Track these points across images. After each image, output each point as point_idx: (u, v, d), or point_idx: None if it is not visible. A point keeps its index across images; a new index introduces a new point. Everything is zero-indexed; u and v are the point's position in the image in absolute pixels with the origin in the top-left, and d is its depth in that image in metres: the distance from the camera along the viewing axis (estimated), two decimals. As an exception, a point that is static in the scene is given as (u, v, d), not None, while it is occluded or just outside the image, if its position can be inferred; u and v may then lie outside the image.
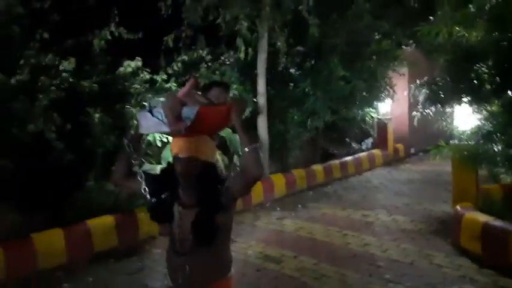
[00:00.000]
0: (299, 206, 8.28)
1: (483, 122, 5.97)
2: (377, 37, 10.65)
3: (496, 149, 5.73)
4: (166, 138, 6.59)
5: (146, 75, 7.80)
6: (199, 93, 2.42)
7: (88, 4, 7.62)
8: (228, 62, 9.54)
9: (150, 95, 7.28)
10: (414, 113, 6.95)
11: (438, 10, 7.11)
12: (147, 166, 5.00)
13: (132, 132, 2.41)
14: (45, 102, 6.10)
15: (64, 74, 6.60)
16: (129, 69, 7.55)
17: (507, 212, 5.48)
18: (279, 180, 8.93)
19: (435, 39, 6.12)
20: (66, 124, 6.21)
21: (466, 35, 5.71)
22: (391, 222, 7.14)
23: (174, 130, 2.14)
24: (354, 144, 12.40)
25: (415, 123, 7.20)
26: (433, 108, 6.48)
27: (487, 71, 5.84)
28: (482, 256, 5.22)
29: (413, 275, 5.09)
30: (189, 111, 2.14)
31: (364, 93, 10.79)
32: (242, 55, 8.43)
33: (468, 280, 4.90)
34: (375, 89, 11.04)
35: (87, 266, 5.53)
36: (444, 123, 6.95)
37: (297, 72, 9.95)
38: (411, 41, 11.21)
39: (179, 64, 8.65)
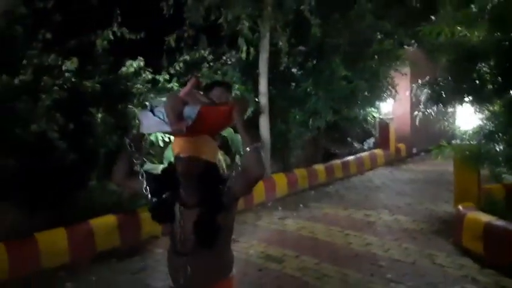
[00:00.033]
0: (301, 205, 8.29)
1: (485, 121, 5.97)
2: (379, 37, 10.65)
3: (497, 149, 5.74)
4: (169, 138, 6.60)
5: (148, 75, 7.81)
6: (201, 93, 2.41)
7: (90, 4, 7.63)
8: (229, 62, 9.55)
9: (152, 95, 7.30)
10: (416, 112, 6.95)
11: (440, 10, 7.11)
12: (149, 166, 5.00)
13: (134, 131, 2.40)
14: (48, 102, 6.13)
15: (67, 74, 6.63)
16: (132, 69, 7.57)
17: (509, 211, 5.49)
18: (280, 180, 8.95)
19: (437, 39, 6.12)
20: (68, 124, 6.24)
21: (468, 34, 5.71)
22: (393, 222, 7.14)
23: (176, 129, 2.13)
24: (355, 144, 12.41)
25: (417, 123, 7.21)
26: (434, 108, 6.47)
27: (488, 70, 5.84)
28: (484, 256, 5.22)
29: (415, 274, 5.09)
30: (190, 111, 2.13)
31: (366, 93, 10.81)
32: (244, 55, 8.45)
33: (470, 280, 4.90)
34: (377, 89, 11.05)
35: (89, 266, 5.55)
36: (446, 123, 6.94)
37: (299, 72, 9.97)
38: (413, 41, 11.20)
39: (181, 64, 8.66)
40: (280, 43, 8.69)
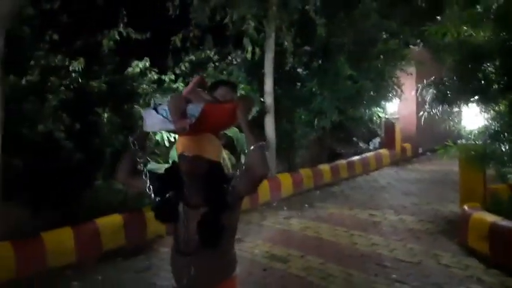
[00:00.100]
0: (306, 205, 8.30)
1: (490, 121, 5.95)
2: (384, 36, 10.63)
3: (503, 149, 5.71)
4: (174, 138, 6.63)
5: (154, 75, 7.85)
6: (206, 92, 2.38)
7: (96, 5, 7.68)
8: (235, 62, 9.58)
9: (157, 95, 7.33)
10: (421, 112, 6.93)
11: (446, 9, 7.09)
12: (153, 165, 5.01)
13: (138, 130, 2.38)
14: (54, 103, 6.20)
15: (73, 75, 6.69)
16: (137, 70, 7.62)
17: (515, 212, 5.46)
18: (286, 180, 8.95)
19: (443, 39, 6.11)
20: (75, 124, 6.31)
21: (474, 34, 5.69)
22: (398, 222, 7.13)
23: (179, 127, 2.10)
24: (361, 144, 12.39)
25: (423, 122, 7.19)
26: (440, 108, 6.45)
27: (494, 70, 5.82)
28: (489, 256, 5.20)
29: (420, 274, 5.08)
30: (194, 109, 2.11)
31: (372, 93, 10.80)
32: (249, 55, 8.47)
33: (475, 280, 4.88)
34: (383, 89, 11.04)
35: (95, 265, 5.58)
36: (452, 123, 6.92)
37: (304, 72, 9.98)
38: (419, 41, 11.17)
39: (187, 64, 8.69)
40: (286, 43, 8.70)
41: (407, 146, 13.17)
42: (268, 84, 8.83)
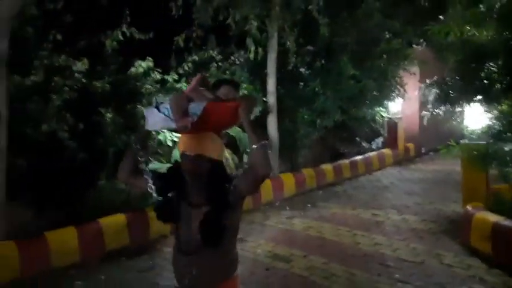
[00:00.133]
0: (309, 205, 8.30)
1: (493, 121, 5.94)
2: (387, 36, 10.62)
3: (506, 149, 5.71)
4: (177, 137, 6.65)
5: (157, 75, 7.87)
6: (208, 91, 2.36)
7: (100, 5, 7.71)
8: (238, 62, 9.59)
9: (160, 95, 7.35)
10: (424, 112, 6.94)
11: (449, 9, 7.08)
12: (156, 165, 5.04)
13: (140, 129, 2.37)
14: (58, 103, 6.23)
15: (77, 75, 6.71)
16: (141, 70, 7.64)
17: (517, 212, 5.45)
18: (288, 180, 8.96)
19: (445, 38, 6.10)
20: (78, 124, 6.34)
21: (477, 34, 5.68)
22: (401, 221, 7.13)
23: (181, 126, 2.09)
24: (364, 144, 12.38)
25: (425, 122, 7.19)
26: (443, 108, 6.45)
27: (497, 70, 5.81)
28: (492, 256, 5.20)
29: (422, 274, 5.08)
30: (195, 107, 2.10)
31: (375, 93, 10.80)
32: (252, 55, 8.48)
33: (478, 280, 4.88)
34: (385, 88, 11.04)
35: (99, 264, 5.60)
36: (455, 122, 6.92)
37: (307, 72, 9.98)
38: (422, 40, 11.15)
39: (190, 64, 8.71)
40: (288, 43, 8.71)
41: (410, 145, 13.16)
42: (271, 84, 8.84)
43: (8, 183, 5.24)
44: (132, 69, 7.65)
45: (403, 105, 12.37)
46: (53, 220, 5.78)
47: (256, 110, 8.47)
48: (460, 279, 4.93)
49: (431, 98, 6.48)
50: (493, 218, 5.35)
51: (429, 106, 6.65)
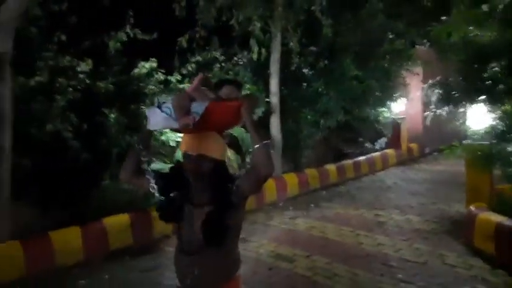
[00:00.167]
0: (312, 205, 8.31)
1: (497, 121, 5.93)
2: (390, 36, 10.61)
3: (509, 149, 5.69)
4: (180, 137, 6.66)
5: (161, 76, 7.89)
6: (211, 90, 2.36)
7: (104, 6, 7.74)
8: (241, 63, 9.60)
9: (164, 95, 7.37)
10: (426, 113, 6.93)
11: (453, 9, 7.06)
12: (159, 165, 5.04)
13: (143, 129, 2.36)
14: (62, 103, 6.26)
15: (81, 75, 6.74)
16: (144, 70, 7.66)
17: (521, 212, 5.44)
18: (291, 180, 8.97)
19: (448, 39, 6.10)
20: (82, 124, 6.36)
21: (480, 34, 5.67)
22: (404, 222, 7.13)
23: (183, 125, 2.08)
24: (367, 144, 12.38)
25: (428, 122, 7.18)
26: (446, 108, 6.44)
27: (500, 70, 5.80)
28: (495, 256, 5.19)
29: (425, 274, 5.09)
30: (197, 106, 2.10)
31: (378, 93, 10.79)
32: (255, 55, 8.49)
33: (481, 280, 4.88)
34: (389, 89, 11.04)
35: (103, 264, 5.63)
36: (458, 123, 6.91)
37: (310, 72, 9.98)
38: (425, 41, 11.14)
39: (193, 65, 8.72)
40: (292, 43, 8.72)
41: (414, 146, 13.15)
42: (274, 85, 8.85)
43: (13, 183, 5.28)
44: (136, 70, 7.67)
45: (406, 106, 12.36)
46: (57, 220, 5.81)
47: (259, 111, 8.49)
48: (463, 280, 4.93)
49: (434, 98, 6.47)
50: (496, 218, 5.35)
51: (432, 106, 6.64)
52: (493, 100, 5.91)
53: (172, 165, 2.41)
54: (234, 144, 4.30)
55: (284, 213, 7.84)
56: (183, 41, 8.72)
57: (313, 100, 9.75)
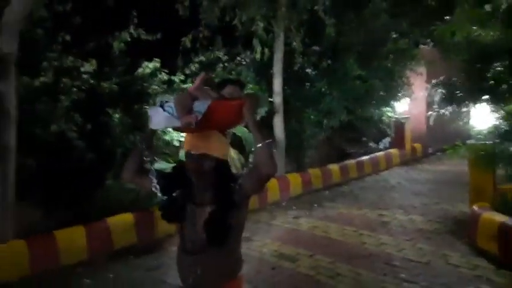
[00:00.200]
0: (315, 205, 8.31)
1: (500, 121, 5.93)
2: (394, 36, 10.60)
3: (512, 149, 5.69)
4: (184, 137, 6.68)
5: (164, 76, 7.93)
6: (213, 90, 2.34)
7: (108, 7, 7.77)
8: (244, 62, 9.63)
9: (167, 95, 7.39)
10: (429, 112, 6.93)
11: (457, 9, 7.06)
12: (162, 165, 5.05)
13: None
14: (67, 103, 6.30)
15: (85, 76, 6.78)
16: (148, 70, 7.70)
17: (524, 212, 5.43)
18: (295, 180, 8.98)
19: (452, 38, 6.09)
20: (87, 124, 6.40)
21: (483, 34, 5.67)
22: (408, 221, 7.12)
23: (185, 124, 2.08)
24: (371, 144, 12.37)
25: (431, 122, 7.18)
26: (449, 108, 6.44)
27: (503, 70, 5.79)
28: (499, 256, 5.18)
29: (428, 274, 5.08)
30: (200, 105, 2.10)
31: (381, 93, 10.78)
32: (258, 55, 8.51)
33: (484, 280, 4.87)
34: (392, 88, 11.03)
35: (107, 263, 5.65)
36: (461, 122, 6.90)
37: (313, 72, 9.99)
38: (429, 40, 11.12)
39: (196, 65, 8.76)
40: (295, 43, 8.74)
41: (418, 145, 13.12)
42: (277, 84, 8.87)
43: (18, 182, 5.31)
44: (139, 70, 7.72)
45: (410, 105, 12.34)
46: (61, 219, 5.84)
47: (263, 110, 8.51)
48: (467, 280, 4.92)
49: (437, 98, 6.47)
50: (499, 218, 5.33)
51: (435, 106, 6.64)
52: (496, 100, 5.91)
53: (175, 164, 2.41)
54: (238, 143, 4.32)
55: (287, 213, 7.85)
56: (186, 41, 8.75)
57: (316, 100, 9.76)
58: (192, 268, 2.20)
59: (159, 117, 2.20)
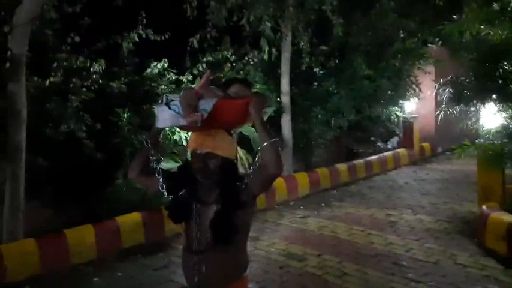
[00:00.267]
0: (323, 204, 8.31)
1: (508, 120, 5.88)
2: (402, 35, 10.56)
3: (521, 149, 5.65)
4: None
5: (172, 76, 7.97)
6: (220, 89, 2.34)
7: (117, 7, 7.83)
8: (252, 62, 9.63)
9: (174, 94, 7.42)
10: (438, 112, 6.89)
11: (466, 7, 7.01)
12: (168, 164, 5.07)
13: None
14: (76, 103, 6.36)
15: (94, 76, 6.84)
16: (156, 70, 7.75)
17: (533, 212, 5.40)
18: (302, 179, 8.98)
19: (460, 37, 6.06)
20: (96, 124, 6.45)
21: (492, 33, 5.63)
22: (416, 221, 7.10)
23: (191, 122, 2.07)
24: (379, 143, 12.33)
25: (439, 122, 7.14)
26: (457, 107, 6.41)
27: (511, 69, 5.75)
28: (507, 256, 5.15)
29: (436, 274, 5.07)
30: (205, 104, 2.09)
31: (390, 92, 10.74)
32: (266, 55, 8.52)
33: (493, 280, 4.85)
34: (401, 88, 10.98)
35: (115, 262, 5.71)
36: (470, 122, 6.85)
37: (321, 72, 10.00)
38: (437, 39, 11.05)
39: (204, 65, 8.79)
40: (302, 43, 8.73)
41: (426, 145, 13.06)
42: (285, 84, 8.88)
43: (28, 182, 5.38)
44: (148, 70, 7.77)
45: (418, 105, 12.28)
46: (71, 218, 5.90)
47: (270, 110, 8.53)
48: (475, 280, 4.90)
49: (445, 97, 6.44)
50: (508, 218, 5.31)
51: (443, 106, 6.61)
52: (505, 99, 5.86)
53: (181, 163, 2.41)
54: (245, 143, 4.34)
55: (295, 213, 7.86)
56: (194, 41, 8.78)
57: (324, 99, 9.76)
58: (197, 267, 2.19)
59: (164, 116, 2.20)
